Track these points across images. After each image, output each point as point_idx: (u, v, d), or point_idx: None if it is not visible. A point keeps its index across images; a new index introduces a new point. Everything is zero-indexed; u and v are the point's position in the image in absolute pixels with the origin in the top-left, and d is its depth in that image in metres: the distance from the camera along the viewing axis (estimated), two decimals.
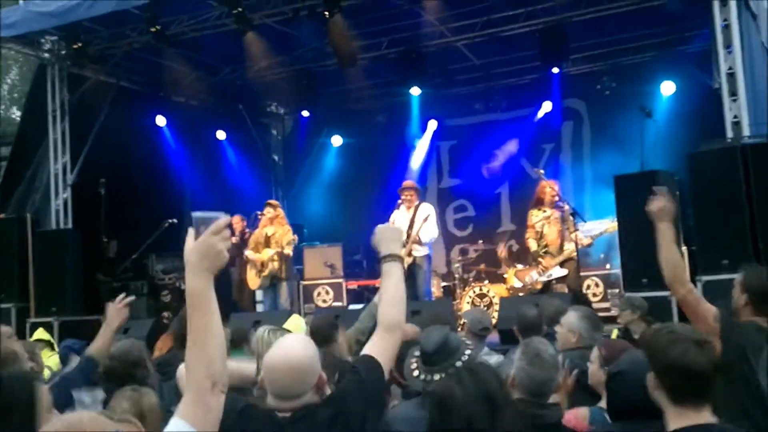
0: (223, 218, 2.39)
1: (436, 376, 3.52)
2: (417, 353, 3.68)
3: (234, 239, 11.86)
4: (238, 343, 5.28)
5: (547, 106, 13.69)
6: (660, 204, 4.09)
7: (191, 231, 2.38)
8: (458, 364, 3.55)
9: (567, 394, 3.96)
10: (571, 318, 4.83)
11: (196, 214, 11.50)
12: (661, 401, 2.68)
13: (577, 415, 3.73)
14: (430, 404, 2.74)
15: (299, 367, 2.73)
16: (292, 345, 2.81)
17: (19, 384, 2.82)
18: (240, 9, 10.61)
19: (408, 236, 10.10)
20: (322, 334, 4.92)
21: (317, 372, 2.77)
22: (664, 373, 2.65)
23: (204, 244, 2.31)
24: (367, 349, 3.03)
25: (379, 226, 3.31)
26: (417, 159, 15.01)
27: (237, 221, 11.92)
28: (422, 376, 3.58)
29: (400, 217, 10.33)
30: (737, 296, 4.28)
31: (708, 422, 2.63)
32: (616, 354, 3.65)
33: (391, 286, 3.14)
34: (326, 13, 10.54)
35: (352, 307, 9.89)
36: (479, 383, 2.65)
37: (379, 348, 3.00)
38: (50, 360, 7.39)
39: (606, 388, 3.43)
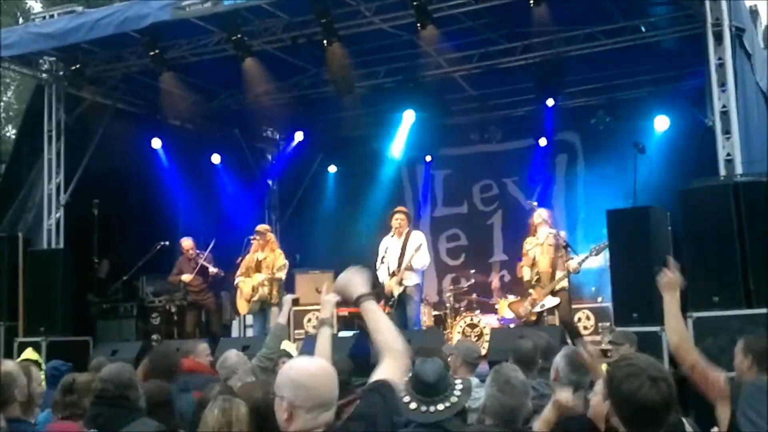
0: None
1: (440, 407, 3.52)
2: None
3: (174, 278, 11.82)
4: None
5: (542, 141, 13.74)
6: (669, 278, 4.19)
7: None
8: (456, 393, 3.56)
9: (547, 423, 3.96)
10: (556, 357, 4.83)
11: None
12: (618, 428, 2.81)
13: None
14: None
15: (332, 371, 2.83)
16: (313, 358, 2.96)
17: None
18: (239, 35, 10.68)
19: (399, 265, 10.11)
20: None
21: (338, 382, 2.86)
22: (619, 405, 2.75)
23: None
24: (380, 375, 3.02)
25: (344, 273, 3.35)
26: (410, 187, 15.07)
27: (187, 246, 11.85)
28: (422, 408, 3.56)
29: (392, 244, 10.34)
30: (741, 360, 4.59)
31: None
32: None
33: (382, 319, 3.20)
34: (325, 41, 10.60)
35: (342, 333, 9.86)
36: None
37: (390, 374, 3.00)
38: None
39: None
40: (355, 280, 3.28)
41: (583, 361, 4.64)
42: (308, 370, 2.77)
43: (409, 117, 13.56)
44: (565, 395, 4.15)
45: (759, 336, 4.73)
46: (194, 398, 4.94)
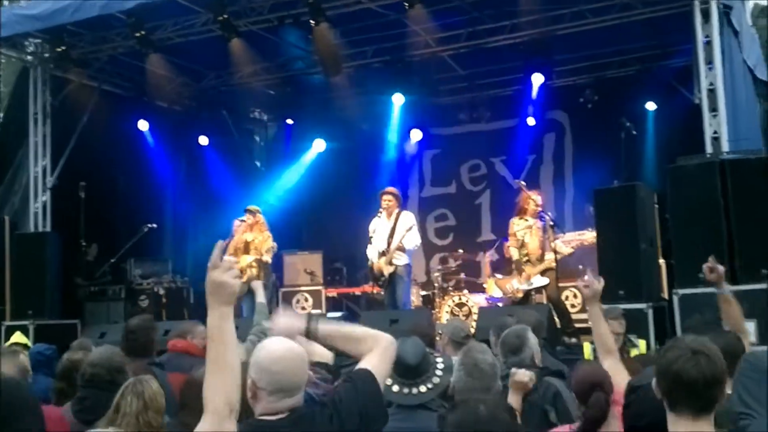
0: (216, 248, 2.48)
1: (422, 388, 3.53)
2: None
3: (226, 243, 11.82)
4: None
5: (530, 121, 13.73)
6: (592, 289, 4.20)
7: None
8: (438, 372, 3.56)
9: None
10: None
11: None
12: (665, 406, 2.69)
13: None
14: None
15: (302, 356, 2.79)
16: (286, 339, 2.86)
17: None
18: (225, 16, 10.61)
19: (388, 245, 10.11)
20: None
21: (307, 367, 2.85)
22: (660, 378, 2.67)
23: (208, 281, 2.45)
24: (363, 365, 3.02)
25: (277, 321, 3.17)
26: (399, 167, 15.06)
27: (238, 225, 11.81)
28: (405, 390, 3.57)
29: (380, 224, 10.32)
30: None
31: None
32: None
33: (346, 328, 3.21)
34: (312, 21, 10.54)
35: (330, 314, 9.88)
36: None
37: (373, 364, 3.00)
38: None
39: (626, 398, 3.39)
40: (288, 321, 3.13)
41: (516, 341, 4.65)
42: (274, 353, 2.75)
43: (398, 101, 13.55)
44: (523, 375, 4.17)
45: (729, 336, 4.36)
46: (168, 378, 4.92)
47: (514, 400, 4.08)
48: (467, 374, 3.53)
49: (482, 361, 3.57)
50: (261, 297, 6.48)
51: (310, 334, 3.10)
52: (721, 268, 4.70)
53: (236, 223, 11.70)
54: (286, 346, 2.79)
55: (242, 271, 10.72)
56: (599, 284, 4.21)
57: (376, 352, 3.03)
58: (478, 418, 2.56)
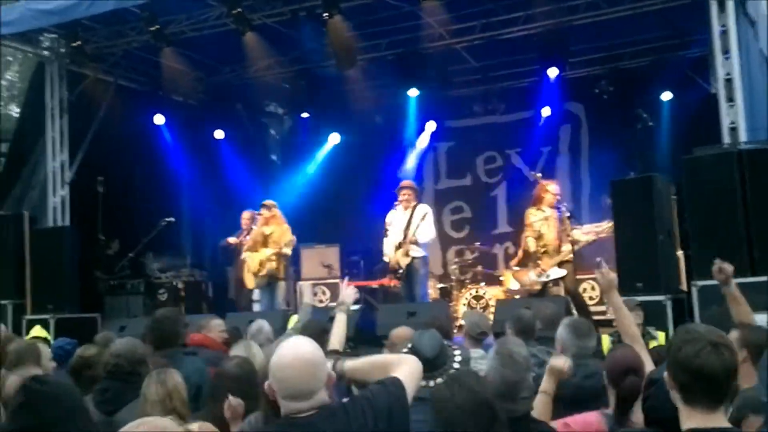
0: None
1: (440, 381, 3.55)
2: None
3: (233, 240, 11.86)
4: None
5: (546, 112, 13.69)
6: (606, 278, 4.40)
7: None
8: (455, 365, 3.58)
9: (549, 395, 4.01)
10: (559, 328, 4.85)
11: None
12: (675, 400, 2.61)
13: (591, 421, 3.69)
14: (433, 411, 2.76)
15: (312, 362, 2.72)
16: (300, 342, 2.81)
17: None
18: (239, 9, 10.64)
19: (405, 236, 10.11)
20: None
21: (326, 369, 2.80)
22: (676, 371, 2.58)
23: None
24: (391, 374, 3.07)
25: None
26: (414, 159, 15.06)
27: (246, 217, 11.82)
28: (422, 383, 3.59)
29: (397, 217, 10.32)
30: None
31: (719, 426, 2.56)
32: None
33: (365, 361, 3.34)
34: (325, 14, 10.55)
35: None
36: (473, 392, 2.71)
37: (402, 376, 3.02)
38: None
39: (645, 391, 3.39)
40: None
41: (585, 327, 4.70)
42: (282, 360, 2.71)
43: (413, 94, 13.58)
44: (560, 361, 4.16)
45: (755, 328, 4.46)
46: (206, 367, 4.97)
47: (548, 384, 4.08)
48: (501, 364, 3.54)
49: (517, 353, 3.58)
50: (308, 298, 6.56)
51: (335, 368, 3.23)
52: (729, 268, 4.73)
53: (244, 215, 11.74)
54: (295, 352, 2.72)
55: (261, 264, 10.77)
56: (612, 273, 4.37)
57: (405, 368, 3.07)
58: (454, 404, 2.57)
